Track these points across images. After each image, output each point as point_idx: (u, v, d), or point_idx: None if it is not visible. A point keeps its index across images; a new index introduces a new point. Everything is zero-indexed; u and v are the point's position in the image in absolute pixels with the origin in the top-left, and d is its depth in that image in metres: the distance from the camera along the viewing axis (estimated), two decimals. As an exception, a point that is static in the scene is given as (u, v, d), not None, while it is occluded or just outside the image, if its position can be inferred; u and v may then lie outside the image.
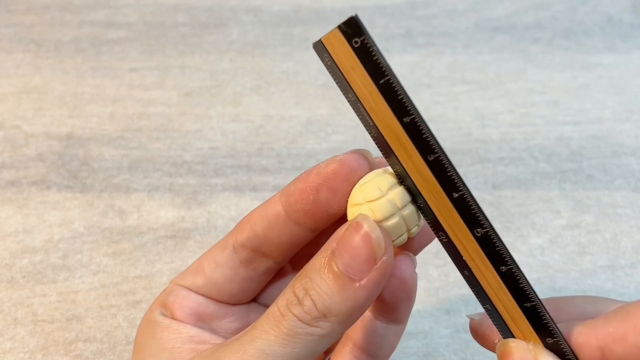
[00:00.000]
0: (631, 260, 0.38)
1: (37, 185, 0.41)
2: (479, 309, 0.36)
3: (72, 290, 0.36)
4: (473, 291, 0.21)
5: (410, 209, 0.21)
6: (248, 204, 0.40)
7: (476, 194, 0.40)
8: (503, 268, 0.20)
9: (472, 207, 0.20)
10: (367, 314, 0.24)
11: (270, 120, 0.45)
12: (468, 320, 0.35)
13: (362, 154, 0.22)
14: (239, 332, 0.21)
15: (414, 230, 0.22)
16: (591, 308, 0.22)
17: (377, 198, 0.21)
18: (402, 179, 0.21)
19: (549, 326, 0.20)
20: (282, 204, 0.23)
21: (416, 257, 0.39)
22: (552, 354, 0.20)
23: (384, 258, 0.19)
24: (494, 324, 0.22)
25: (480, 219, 0.20)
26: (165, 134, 0.44)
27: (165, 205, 0.40)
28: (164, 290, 0.25)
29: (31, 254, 0.38)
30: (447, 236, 0.21)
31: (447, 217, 0.20)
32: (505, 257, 0.20)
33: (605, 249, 0.38)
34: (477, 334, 0.23)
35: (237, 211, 0.40)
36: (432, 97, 0.47)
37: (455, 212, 0.20)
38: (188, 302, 0.24)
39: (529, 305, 0.20)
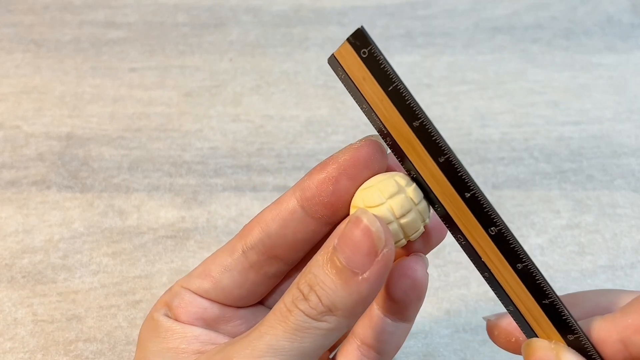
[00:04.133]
0: (631, 260, 0.38)
1: (37, 185, 0.41)
2: (478, 308, 0.36)
3: (72, 290, 0.36)
4: (495, 293, 0.22)
5: (410, 217, 0.21)
6: (248, 203, 0.40)
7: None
8: (519, 266, 0.21)
9: (485, 206, 0.20)
10: (376, 311, 0.25)
11: (270, 120, 0.45)
12: (467, 320, 0.35)
13: (375, 140, 0.22)
14: None
15: (414, 236, 0.22)
16: (604, 300, 0.22)
17: (376, 205, 0.21)
18: (419, 184, 0.21)
19: (569, 322, 0.21)
20: (297, 199, 0.23)
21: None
22: (574, 351, 0.21)
23: (385, 251, 0.19)
24: (519, 326, 0.22)
25: (493, 217, 0.20)
26: (165, 134, 0.44)
27: (165, 205, 0.40)
28: (169, 290, 0.25)
29: (31, 254, 0.38)
30: (465, 238, 0.21)
31: (462, 218, 0.21)
32: (520, 254, 0.21)
33: (605, 249, 0.38)
34: (494, 334, 0.23)
35: (237, 211, 0.40)
36: (432, 97, 0.47)
37: (469, 212, 0.21)
38: (193, 307, 0.24)
39: (547, 302, 0.21)
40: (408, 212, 0.21)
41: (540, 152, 0.44)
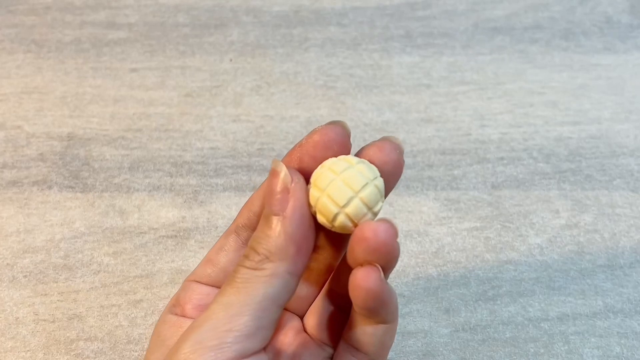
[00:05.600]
0: (630, 260, 0.38)
1: (38, 185, 0.41)
2: (478, 308, 0.36)
3: (73, 290, 0.36)
4: None
5: (369, 189, 0.22)
6: (248, 203, 0.40)
7: (475, 194, 0.41)
8: None
9: None
10: (355, 316, 0.25)
11: (270, 120, 0.46)
12: (467, 319, 0.36)
13: (340, 125, 0.25)
14: None
15: (378, 207, 0.23)
16: None
17: (329, 182, 0.22)
18: None
19: None
20: None
21: (418, 257, 0.39)
22: None
23: (293, 184, 0.22)
24: None
25: None
26: (166, 134, 0.44)
27: (166, 205, 0.40)
28: (179, 288, 0.27)
29: (32, 254, 0.38)
30: None
31: None
32: None
33: (604, 248, 0.39)
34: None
35: (238, 211, 0.40)
36: (431, 98, 0.47)
37: None
38: (196, 294, 0.26)
39: None
40: (365, 184, 0.22)
41: (539, 152, 0.44)
